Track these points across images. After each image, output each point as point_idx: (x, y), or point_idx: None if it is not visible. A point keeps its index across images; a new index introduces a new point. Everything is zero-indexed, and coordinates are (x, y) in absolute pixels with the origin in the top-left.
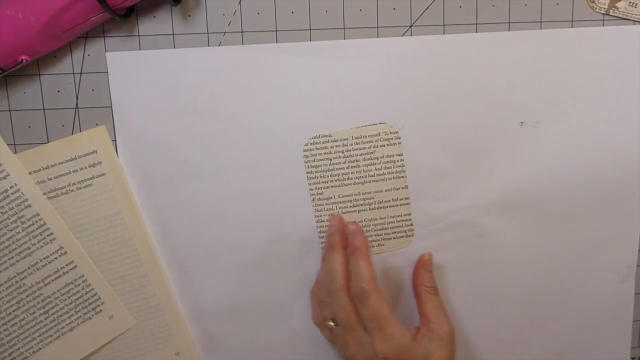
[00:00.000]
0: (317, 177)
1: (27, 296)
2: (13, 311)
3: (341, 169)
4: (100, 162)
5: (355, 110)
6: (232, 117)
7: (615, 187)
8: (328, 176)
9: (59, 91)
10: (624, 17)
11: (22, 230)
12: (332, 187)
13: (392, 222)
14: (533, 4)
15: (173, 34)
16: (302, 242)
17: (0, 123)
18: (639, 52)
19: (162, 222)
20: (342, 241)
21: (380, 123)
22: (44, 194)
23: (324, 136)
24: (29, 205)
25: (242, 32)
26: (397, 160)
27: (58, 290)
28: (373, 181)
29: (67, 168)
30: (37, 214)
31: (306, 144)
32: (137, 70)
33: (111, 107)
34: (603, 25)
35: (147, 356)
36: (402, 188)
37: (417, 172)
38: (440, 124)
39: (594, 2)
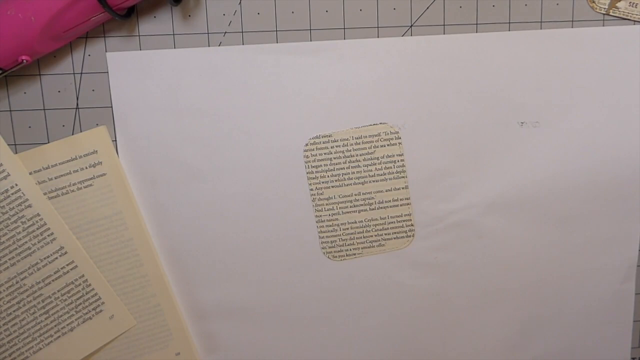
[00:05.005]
0: (317, 177)
1: (27, 296)
2: (13, 311)
3: (341, 169)
4: (101, 162)
5: (355, 110)
6: (232, 117)
7: (615, 187)
8: (328, 176)
9: (59, 91)
10: (624, 17)
11: (23, 231)
12: (332, 187)
13: (392, 223)
14: (533, 4)
15: (173, 34)
16: (302, 242)
17: (1, 123)
18: (639, 52)
19: (162, 222)
20: None
21: (380, 123)
22: (45, 194)
23: (324, 136)
24: (29, 206)
25: (242, 32)
26: (398, 161)
27: (58, 290)
28: (373, 181)
29: (68, 168)
30: (38, 214)
31: (306, 144)
32: (137, 70)
33: (111, 107)
34: (603, 25)
35: (147, 356)
36: (403, 188)
37: (417, 172)
38: (440, 124)
39: (594, 2)
